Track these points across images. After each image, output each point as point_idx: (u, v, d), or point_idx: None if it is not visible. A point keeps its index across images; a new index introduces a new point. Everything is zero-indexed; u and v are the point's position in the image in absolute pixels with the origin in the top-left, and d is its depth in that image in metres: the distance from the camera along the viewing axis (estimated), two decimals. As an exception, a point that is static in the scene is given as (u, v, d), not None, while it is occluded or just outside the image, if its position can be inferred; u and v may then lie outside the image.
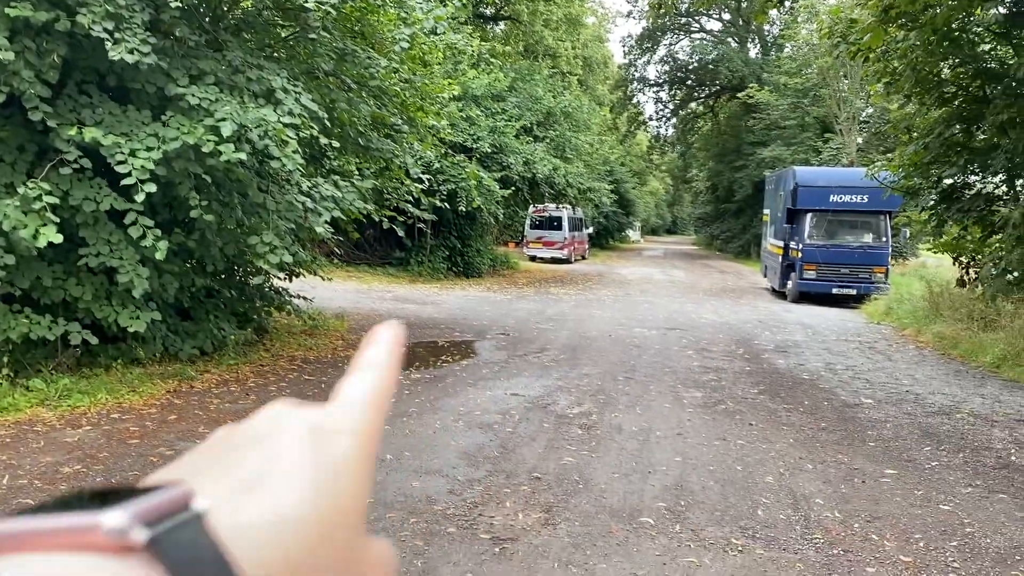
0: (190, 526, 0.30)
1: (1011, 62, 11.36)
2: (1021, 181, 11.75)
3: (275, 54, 8.89)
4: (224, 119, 6.72)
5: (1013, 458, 6.47)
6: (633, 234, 62.05)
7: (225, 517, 0.31)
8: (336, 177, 9.95)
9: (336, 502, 0.35)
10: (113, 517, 0.28)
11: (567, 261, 30.75)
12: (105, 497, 0.30)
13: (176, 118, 6.86)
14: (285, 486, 0.33)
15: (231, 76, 7.30)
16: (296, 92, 7.44)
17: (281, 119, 7.00)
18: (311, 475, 0.34)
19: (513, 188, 21.01)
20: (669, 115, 53.05)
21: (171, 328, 8.44)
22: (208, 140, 6.65)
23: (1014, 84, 10.74)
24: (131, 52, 6.45)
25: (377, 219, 11.28)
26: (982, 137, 11.85)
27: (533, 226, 30.85)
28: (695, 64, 47.96)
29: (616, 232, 50.82)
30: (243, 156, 6.76)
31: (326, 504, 0.34)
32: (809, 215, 18.87)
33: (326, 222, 8.78)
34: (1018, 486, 5.73)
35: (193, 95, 6.86)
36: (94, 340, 7.29)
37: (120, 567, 0.27)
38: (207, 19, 8.05)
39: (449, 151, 17.52)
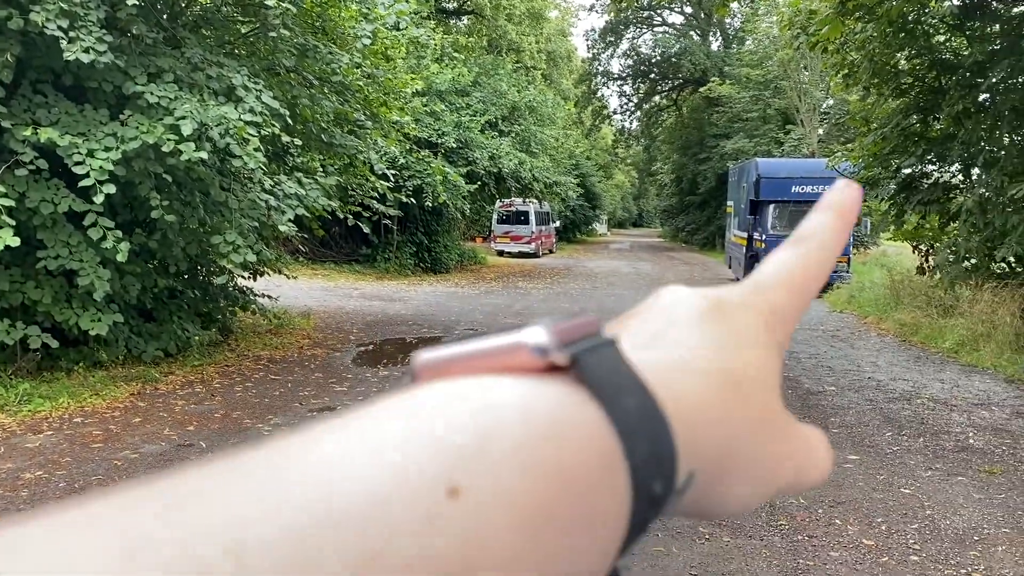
0: (605, 349, 0.29)
1: (965, 53, 11.58)
2: (977, 170, 11.99)
3: (235, 51, 8.79)
4: (184, 117, 6.65)
5: (971, 441, 6.62)
6: (600, 227, 62.31)
7: (632, 356, 0.30)
8: (299, 174, 9.88)
9: (742, 365, 0.33)
10: (535, 335, 0.28)
11: (534, 255, 30.82)
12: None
13: (135, 117, 6.77)
14: (687, 339, 0.33)
15: (190, 74, 7.21)
16: (257, 89, 7.37)
17: (242, 116, 6.94)
18: (712, 334, 0.34)
19: (479, 183, 21.00)
20: (633, 109, 53.39)
21: (134, 330, 8.33)
22: (168, 139, 6.57)
23: (968, 75, 10.96)
24: (87, 51, 6.35)
25: (342, 216, 11.22)
26: (938, 127, 12.08)
27: (500, 221, 30.87)
28: (658, 58, 48.29)
29: (583, 225, 51.01)
30: (204, 155, 6.69)
31: (730, 362, 0.33)
32: (772, 206, 19.10)
33: (290, 220, 8.72)
34: (976, 468, 5.87)
35: (152, 93, 6.77)
36: (55, 344, 7.17)
37: (548, 387, 0.27)
38: (165, 16, 7.94)
39: (414, 147, 17.47)
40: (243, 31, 8.91)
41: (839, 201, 0.37)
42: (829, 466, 0.37)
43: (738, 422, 0.32)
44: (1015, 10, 11.18)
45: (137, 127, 6.66)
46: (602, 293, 18.43)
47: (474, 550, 0.22)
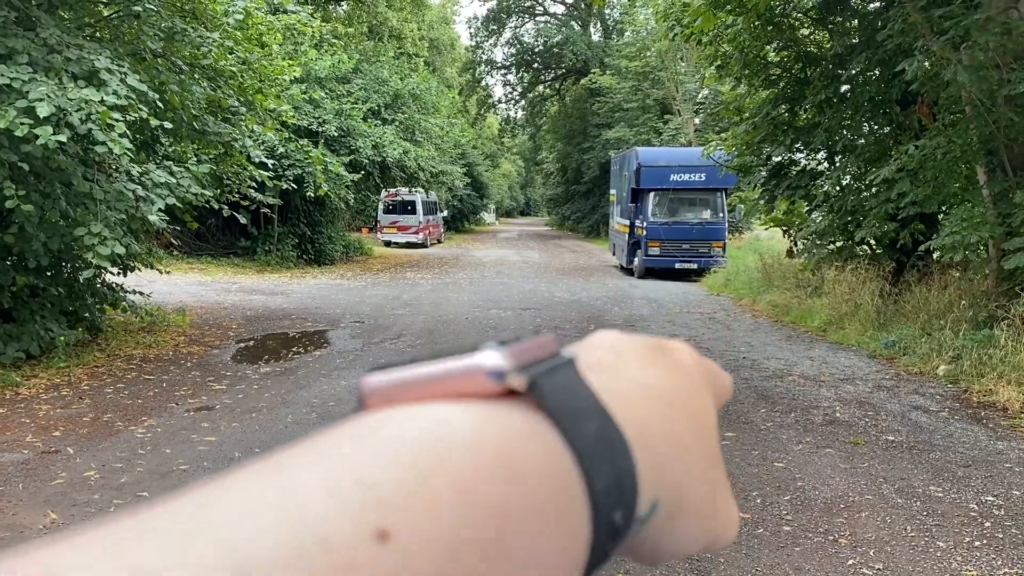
0: (564, 371, 0.28)
1: (827, 46, 12.22)
2: (840, 157, 12.67)
3: (97, 34, 8.29)
4: (40, 99, 6.21)
5: (838, 414, 7.01)
6: (488, 216, 62.56)
7: (590, 378, 0.29)
8: (170, 163, 9.43)
9: (697, 402, 0.34)
10: (491, 358, 0.27)
11: (422, 245, 30.61)
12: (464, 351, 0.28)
13: (-18, 102, 6.29)
14: (644, 372, 0.33)
15: (47, 56, 6.75)
16: (122, 72, 6.96)
17: (105, 100, 6.54)
18: (666, 370, 0.34)
19: (363, 172, 20.63)
20: (518, 98, 53.82)
21: (-11, 331, 7.77)
22: (21, 124, 6.13)
23: (830, 66, 11.56)
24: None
25: (217, 207, 10.78)
26: (805, 116, 12.70)
27: (386, 211, 30.46)
28: (540, 47, 48.76)
29: (471, 215, 51.04)
30: (63, 139, 6.28)
31: (689, 398, 0.33)
32: (652, 194, 19.63)
33: (160, 210, 8.31)
34: (842, 440, 6.22)
35: (2, 75, 6.30)
36: None
37: (502, 415, 0.26)
38: (16, -6, 7.39)
39: (293, 135, 16.99)
40: (105, 13, 8.41)
41: None
42: (737, 531, 0.37)
43: (695, 457, 0.32)
44: (871, 6, 11.86)
45: (-14, 112, 6.19)
46: (491, 282, 18.49)
47: None
